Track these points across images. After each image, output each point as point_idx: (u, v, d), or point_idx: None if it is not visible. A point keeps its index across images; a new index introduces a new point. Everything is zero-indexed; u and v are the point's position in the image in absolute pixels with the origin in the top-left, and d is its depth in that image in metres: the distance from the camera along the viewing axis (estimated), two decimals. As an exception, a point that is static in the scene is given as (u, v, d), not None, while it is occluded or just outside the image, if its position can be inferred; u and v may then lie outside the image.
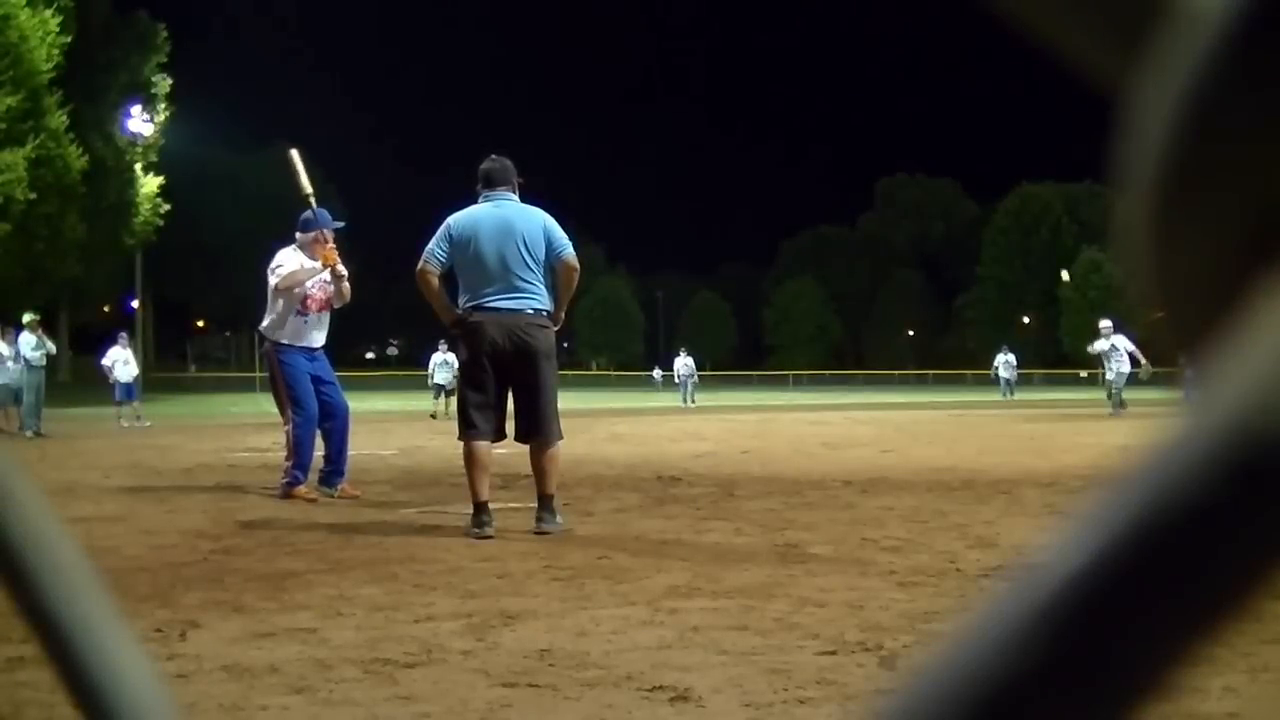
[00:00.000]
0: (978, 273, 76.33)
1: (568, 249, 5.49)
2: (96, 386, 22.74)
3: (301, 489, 6.95)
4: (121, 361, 18.96)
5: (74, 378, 44.30)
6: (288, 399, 7.19)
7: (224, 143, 68.08)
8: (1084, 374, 60.11)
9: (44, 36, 31.74)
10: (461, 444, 5.46)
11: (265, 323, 7.29)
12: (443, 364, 20.84)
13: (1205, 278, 0.20)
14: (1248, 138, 0.18)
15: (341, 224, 7.47)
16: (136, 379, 19.29)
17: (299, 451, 7.04)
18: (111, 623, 0.40)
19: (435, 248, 5.50)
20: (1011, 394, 34.17)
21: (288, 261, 7.27)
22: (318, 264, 7.24)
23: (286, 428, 7.20)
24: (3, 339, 16.33)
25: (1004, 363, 34.76)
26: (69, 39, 33.26)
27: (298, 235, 7.39)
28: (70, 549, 0.40)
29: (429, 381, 22.68)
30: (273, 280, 7.24)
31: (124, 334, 20.01)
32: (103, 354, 19.57)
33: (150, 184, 42.75)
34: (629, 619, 3.39)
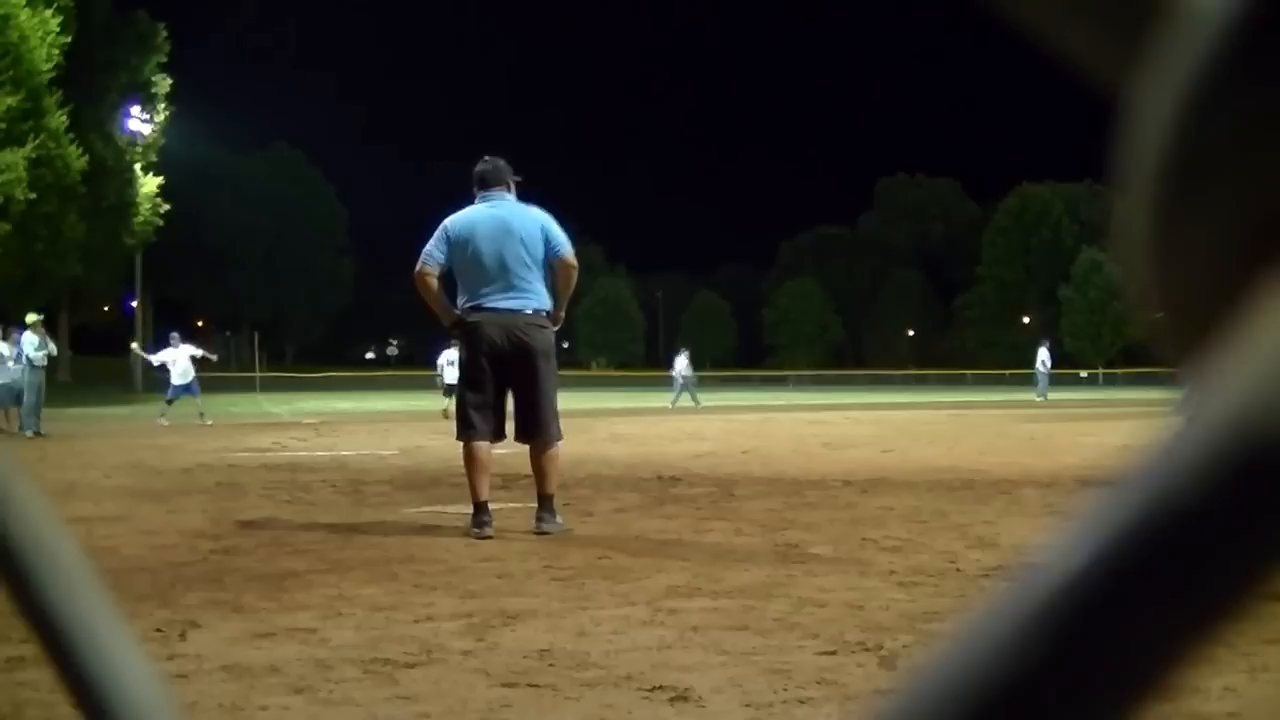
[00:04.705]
0: (978, 273, 76.35)
1: (566, 247, 5.48)
2: (97, 386, 22.77)
3: None
4: (173, 361, 19.17)
5: (74, 378, 44.33)
6: None
7: (224, 143, 68.04)
8: (1084, 374, 60.10)
9: (44, 36, 31.72)
10: (461, 444, 5.47)
11: None
12: (451, 363, 20.90)
13: (1205, 278, 0.20)
14: (1248, 138, 0.18)
15: None
16: (193, 379, 19.46)
17: None
18: (111, 623, 0.40)
19: (433, 249, 5.49)
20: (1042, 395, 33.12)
21: None
22: None
23: None
24: (4, 339, 16.35)
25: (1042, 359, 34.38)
26: (69, 39, 33.24)
27: None
28: (70, 549, 0.40)
29: (437, 380, 22.70)
30: None
31: (175, 334, 20.20)
32: (157, 351, 19.99)
33: (150, 184, 42.76)
34: (629, 619, 3.39)
